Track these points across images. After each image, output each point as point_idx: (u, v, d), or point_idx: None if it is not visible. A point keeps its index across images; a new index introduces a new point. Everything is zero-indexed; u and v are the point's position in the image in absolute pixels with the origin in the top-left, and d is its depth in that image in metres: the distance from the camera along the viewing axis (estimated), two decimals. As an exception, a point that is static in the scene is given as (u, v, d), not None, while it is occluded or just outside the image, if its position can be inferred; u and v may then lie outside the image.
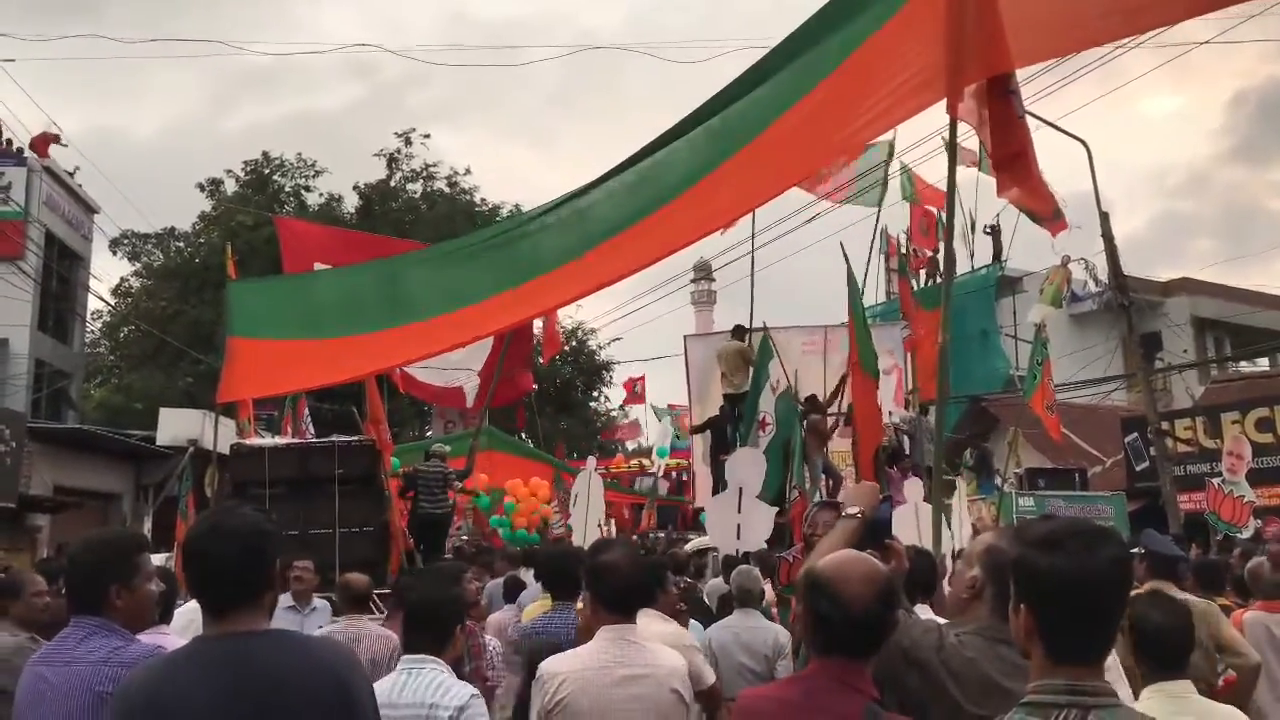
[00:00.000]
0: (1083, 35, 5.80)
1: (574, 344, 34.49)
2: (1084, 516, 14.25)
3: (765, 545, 7.58)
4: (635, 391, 33.21)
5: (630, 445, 39.51)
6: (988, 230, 23.97)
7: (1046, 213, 6.55)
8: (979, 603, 2.62)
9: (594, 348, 35.98)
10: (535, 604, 5.93)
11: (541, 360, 23.82)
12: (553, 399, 33.76)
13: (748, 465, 7.09)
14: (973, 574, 2.65)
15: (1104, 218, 13.10)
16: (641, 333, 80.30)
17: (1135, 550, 5.55)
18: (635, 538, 16.29)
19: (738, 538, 6.78)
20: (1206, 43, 21.87)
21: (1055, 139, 12.48)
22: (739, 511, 6.83)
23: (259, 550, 2.38)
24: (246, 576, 2.35)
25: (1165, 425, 15.15)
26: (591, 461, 12.09)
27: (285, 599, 6.92)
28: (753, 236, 15.24)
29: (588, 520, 10.14)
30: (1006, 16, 5.49)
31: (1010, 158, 5.83)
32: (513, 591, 7.94)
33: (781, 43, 6.29)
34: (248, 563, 2.35)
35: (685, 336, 17.36)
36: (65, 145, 26.94)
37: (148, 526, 20.45)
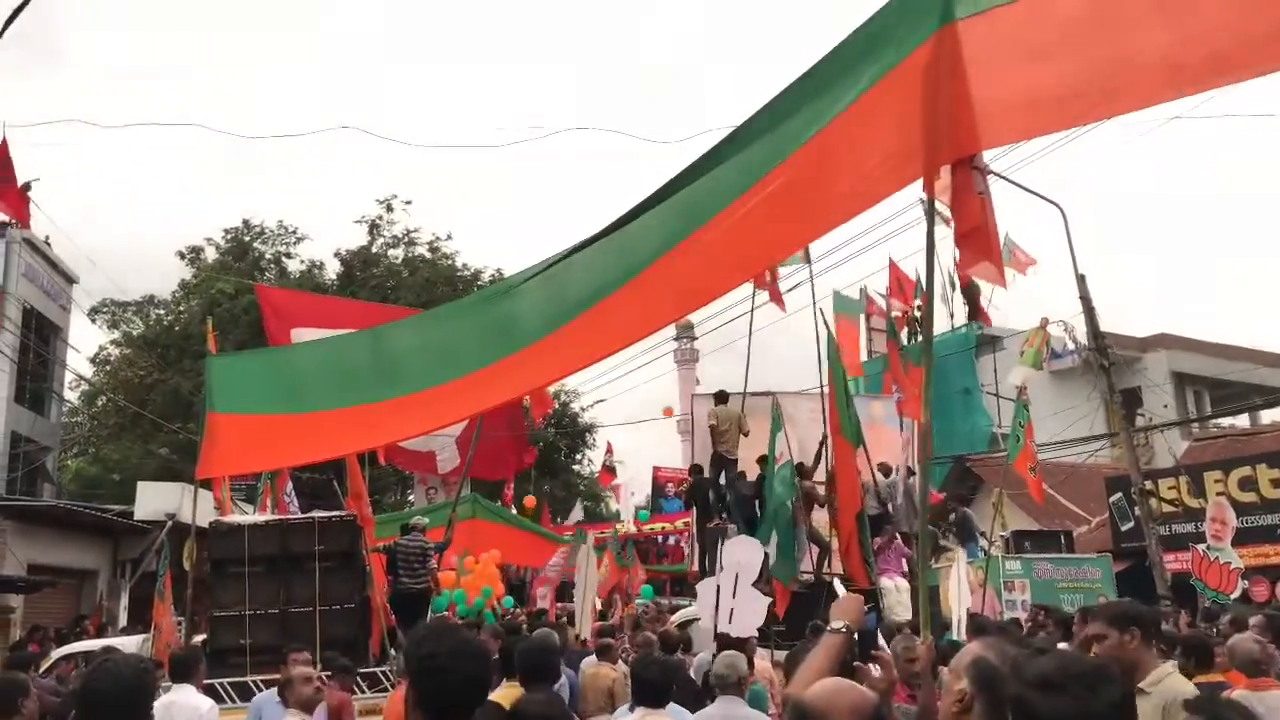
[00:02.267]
0: (1053, 117, 5.83)
1: (557, 407, 34.39)
2: (1073, 579, 14.21)
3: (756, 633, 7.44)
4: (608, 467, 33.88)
5: (615, 507, 39.21)
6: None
7: (999, 282, 6.56)
8: (968, 717, 2.56)
9: (577, 410, 35.91)
10: (501, 691, 5.58)
11: (535, 423, 23.75)
12: (536, 463, 33.57)
13: (745, 551, 6.96)
14: (960, 686, 2.58)
15: (1081, 280, 13.21)
16: (626, 396, 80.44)
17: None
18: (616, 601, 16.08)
19: (729, 621, 6.64)
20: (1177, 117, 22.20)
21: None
22: (733, 597, 6.70)
23: (484, 676, 2.64)
24: (471, 699, 2.58)
25: (1149, 485, 15.13)
26: (589, 540, 11.82)
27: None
28: (753, 296, 15.25)
29: (585, 598, 9.89)
30: (976, 96, 5.52)
31: (970, 232, 5.82)
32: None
33: (753, 115, 6.31)
34: (474, 688, 2.59)
35: (693, 395, 17.81)
36: (34, 201, 26.75)
37: (124, 604, 20.11)
